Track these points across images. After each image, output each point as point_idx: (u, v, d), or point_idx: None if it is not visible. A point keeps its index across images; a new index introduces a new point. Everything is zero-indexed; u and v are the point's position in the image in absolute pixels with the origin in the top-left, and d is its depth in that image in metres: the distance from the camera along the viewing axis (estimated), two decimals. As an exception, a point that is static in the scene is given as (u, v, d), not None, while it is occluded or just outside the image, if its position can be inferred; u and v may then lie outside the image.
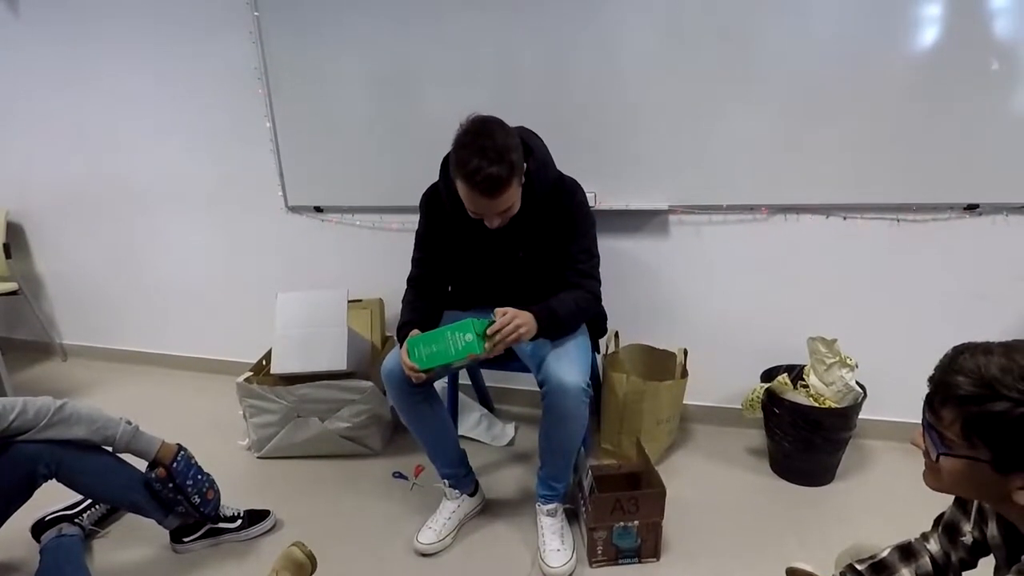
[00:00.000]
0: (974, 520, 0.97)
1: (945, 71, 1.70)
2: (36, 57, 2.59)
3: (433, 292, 1.72)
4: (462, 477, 1.76)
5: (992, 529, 0.91)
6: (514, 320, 1.42)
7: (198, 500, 1.63)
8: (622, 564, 1.60)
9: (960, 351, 0.79)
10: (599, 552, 1.59)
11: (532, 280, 1.63)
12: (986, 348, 0.76)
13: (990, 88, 1.69)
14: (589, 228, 1.65)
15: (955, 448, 0.77)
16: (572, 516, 1.74)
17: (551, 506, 1.66)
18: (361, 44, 2.13)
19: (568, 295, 1.58)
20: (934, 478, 0.84)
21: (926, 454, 0.83)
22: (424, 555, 1.66)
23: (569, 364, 1.50)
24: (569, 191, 1.61)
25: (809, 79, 1.80)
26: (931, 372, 0.81)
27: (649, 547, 1.60)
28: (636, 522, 1.56)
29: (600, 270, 1.64)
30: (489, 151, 1.34)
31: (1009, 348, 0.75)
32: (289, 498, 1.91)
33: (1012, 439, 0.73)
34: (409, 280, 1.73)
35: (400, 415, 1.68)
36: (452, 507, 1.74)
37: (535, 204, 1.55)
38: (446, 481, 1.75)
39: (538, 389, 1.54)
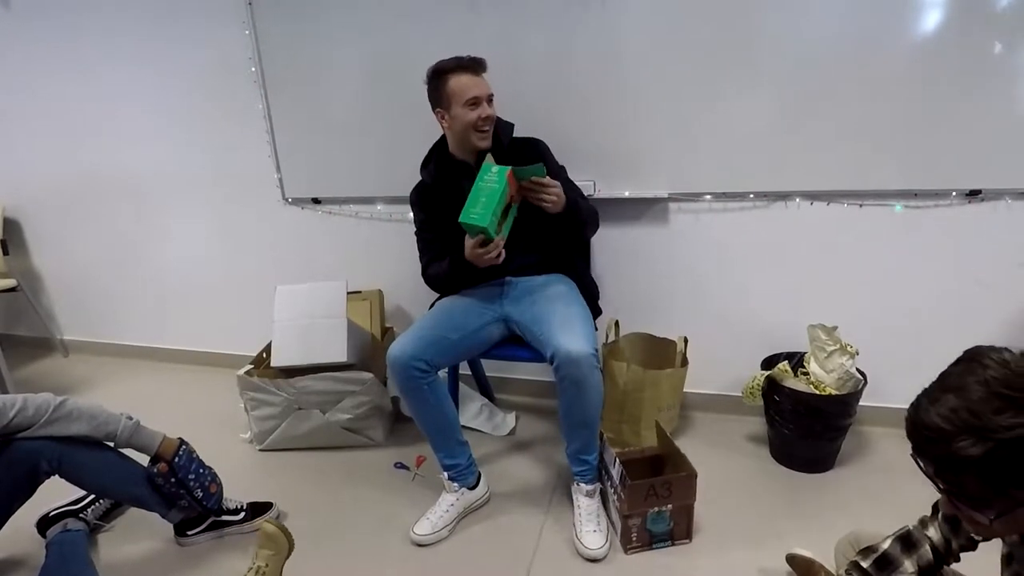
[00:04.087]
0: None
1: (947, 56, 1.68)
2: (29, 51, 2.57)
3: None
4: (463, 469, 1.77)
5: None
6: (556, 188, 1.56)
7: (201, 494, 1.63)
8: (656, 548, 1.61)
9: (915, 406, 0.78)
10: (634, 538, 1.59)
11: (529, 228, 1.68)
12: (933, 397, 0.76)
13: (993, 73, 1.67)
14: (562, 169, 1.80)
15: (997, 506, 0.75)
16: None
17: (591, 487, 1.67)
18: (357, 32, 2.11)
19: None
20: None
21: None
22: (420, 546, 1.67)
23: (574, 334, 1.54)
24: (532, 143, 1.78)
25: (810, 65, 1.78)
26: (920, 389, 0.79)
27: (681, 529, 1.61)
28: (669, 506, 1.57)
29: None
30: (462, 56, 1.64)
31: (957, 388, 0.74)
32: (291, 490, 1.92)
33: None
34: (424, 270, 1.83)
35: (404, 402, 1.70)
36: (451, 500, 1.74)
37: (503, 153, 1.70)
38: (446, 474, 1.76)
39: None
